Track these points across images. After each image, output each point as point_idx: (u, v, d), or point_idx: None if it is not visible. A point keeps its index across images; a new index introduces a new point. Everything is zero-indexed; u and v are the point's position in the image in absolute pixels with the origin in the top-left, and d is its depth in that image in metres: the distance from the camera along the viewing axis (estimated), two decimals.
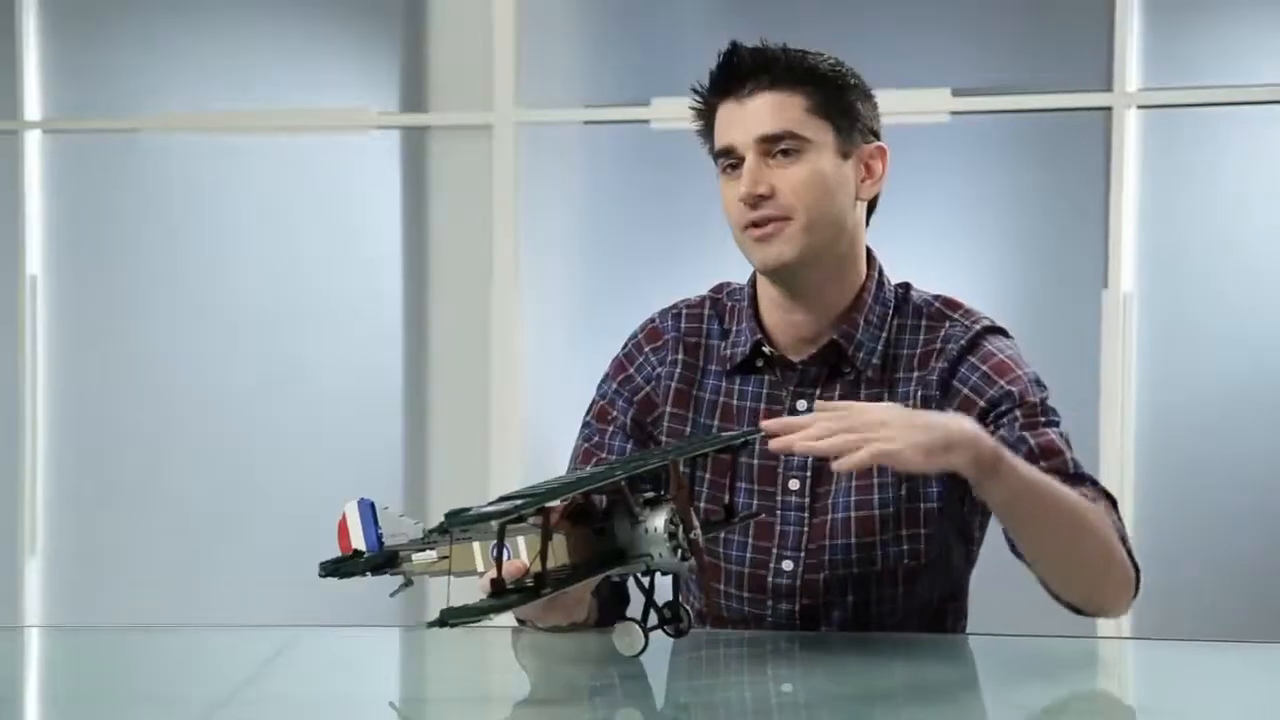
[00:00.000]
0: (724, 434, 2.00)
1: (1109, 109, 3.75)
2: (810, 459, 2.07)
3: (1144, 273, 3.76)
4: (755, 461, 2.10)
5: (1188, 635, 3.55)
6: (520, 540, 1.71)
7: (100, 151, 4.19)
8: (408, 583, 1.86)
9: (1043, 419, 2.05)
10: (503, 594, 1.65)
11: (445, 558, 1.79)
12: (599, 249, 4.03)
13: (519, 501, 1.63)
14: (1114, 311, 3.74)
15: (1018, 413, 2.04)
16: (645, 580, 1.77)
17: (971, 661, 1.88)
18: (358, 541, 1.85)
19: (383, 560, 1.84)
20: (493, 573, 1.67)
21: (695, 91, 2.10)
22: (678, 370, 2.16)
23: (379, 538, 1.85)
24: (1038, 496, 1.88)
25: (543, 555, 1.66)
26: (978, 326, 2.11)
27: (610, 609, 2.09)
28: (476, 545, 1.77)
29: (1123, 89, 3.74)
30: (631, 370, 2.19)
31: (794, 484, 2.09)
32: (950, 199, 3.82)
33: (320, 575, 1.86)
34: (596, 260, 4.03)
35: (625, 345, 2.22)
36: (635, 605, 1.80)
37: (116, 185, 4.19)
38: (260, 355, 4.13)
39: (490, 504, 1.64)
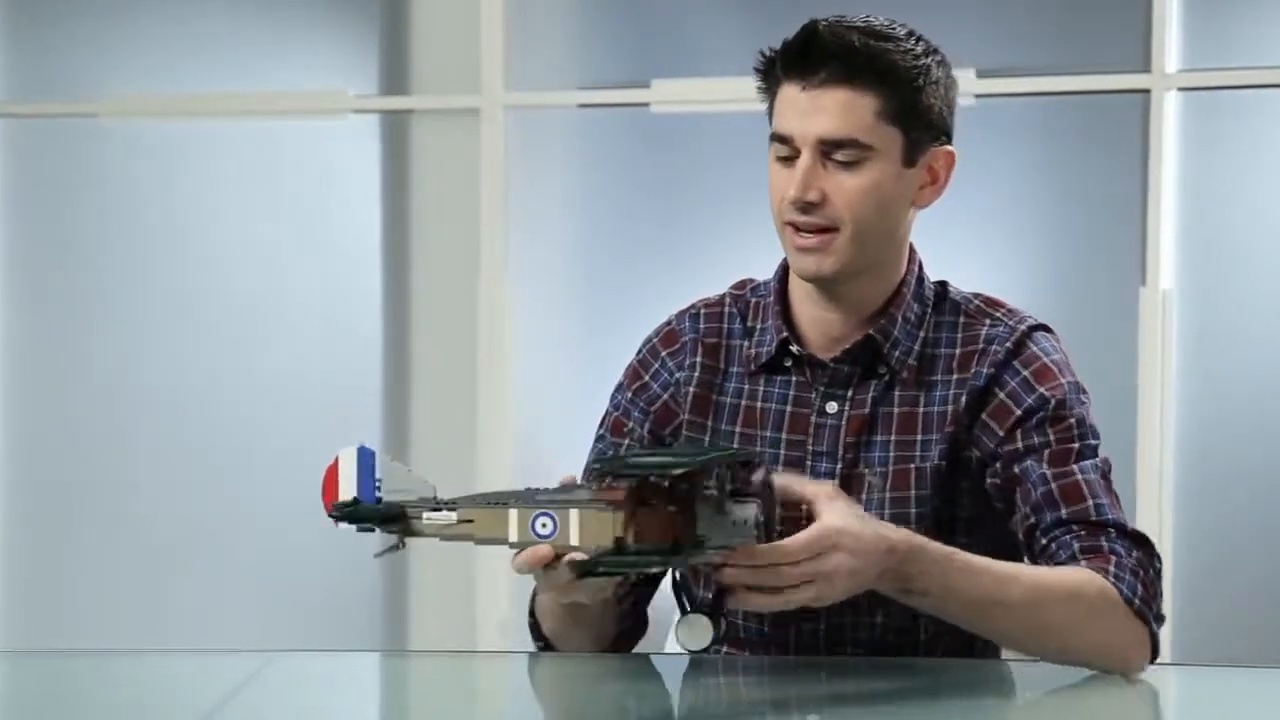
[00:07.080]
0: (733, 448, 2.01)
1: (1147, 91, 3.74)
2: (839, 468, 2.08)
3: (1184, 268, 3.76)
4: (779, 469, 2.07)
5: (1233, 659, 3.54)
6: (572, 515, 1.70)
7: (59, 137, 4.18)
8: (400, 545, 1.82)
9: (1076, 445, 2.04)
10: (634, 554, 1.67)
11: (467, 521, 1.76)
12: (594, 241, 4.04)
13: (693, 457, 1.69)
14: (1152, 310, 3.74)
15: (1050, 433, 2.04)
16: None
17: (1007, 688, 1.91)
18: (347, 494, 1.80)
19: (397, 514, 1.80)
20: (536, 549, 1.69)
21: (762, 54, 2.07)
22: (696, 374, 2.14)
23: (375, 490, 1.81)
24: (980, 608, 1.89)
25: (672, 525, 1.69)
26: (1023, 327, 2.10)
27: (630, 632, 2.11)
28: (513, 513, 1.74)
29: (1162, 70, 3.73)
30: (647, 378, 2.17)
31: None
32: (974, 188, 3.79)
33: (331, 516, 1.81)
34: (591, 254, 4.04)
35: (639, 350, 2.20)
36: (659, 626, 1.79)
37: (77, 173, 4.18)
38: (232, 356, 4.13)
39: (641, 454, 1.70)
